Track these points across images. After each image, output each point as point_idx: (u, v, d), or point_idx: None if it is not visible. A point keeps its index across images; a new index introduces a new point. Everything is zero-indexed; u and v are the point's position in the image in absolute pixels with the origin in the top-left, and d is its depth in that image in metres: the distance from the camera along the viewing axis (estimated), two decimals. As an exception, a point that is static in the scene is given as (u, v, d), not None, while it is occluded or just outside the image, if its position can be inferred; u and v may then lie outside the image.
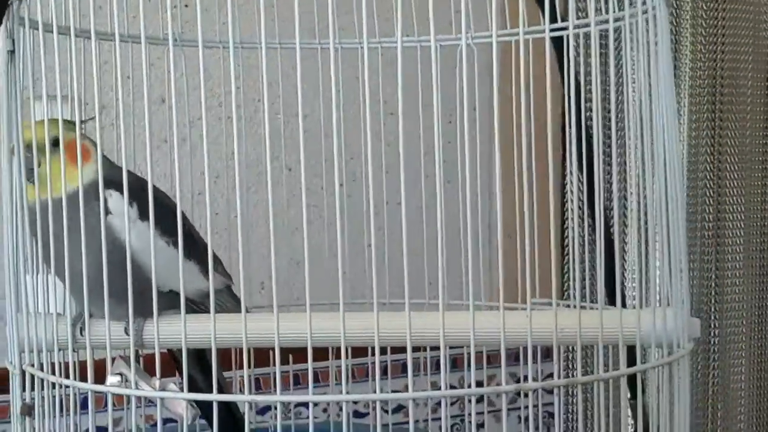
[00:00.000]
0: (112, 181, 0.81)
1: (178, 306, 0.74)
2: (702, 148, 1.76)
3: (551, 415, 1.52)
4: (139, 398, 0.86)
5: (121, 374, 0.76)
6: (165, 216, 0.82)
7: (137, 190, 0.81)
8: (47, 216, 0.78)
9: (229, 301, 0.95)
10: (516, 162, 0.90)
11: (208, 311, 0.84)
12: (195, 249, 0.88)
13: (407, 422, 0.72)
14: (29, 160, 0.80)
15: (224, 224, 1.17)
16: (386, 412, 1.57)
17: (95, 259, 0.75)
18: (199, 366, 0.93)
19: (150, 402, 0.77)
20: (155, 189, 0.85)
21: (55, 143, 0.83)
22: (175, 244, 0.74)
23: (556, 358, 0.73)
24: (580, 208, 0.92)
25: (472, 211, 0.74)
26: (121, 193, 0.82)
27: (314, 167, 1.03)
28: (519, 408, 1.57)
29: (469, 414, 1.52)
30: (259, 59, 1.01)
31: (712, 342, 1.77)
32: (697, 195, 1.75)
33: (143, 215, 0.84)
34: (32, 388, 0.79)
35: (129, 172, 0.82)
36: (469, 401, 1.56)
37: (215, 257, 0.93)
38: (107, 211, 0.82)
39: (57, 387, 0.79)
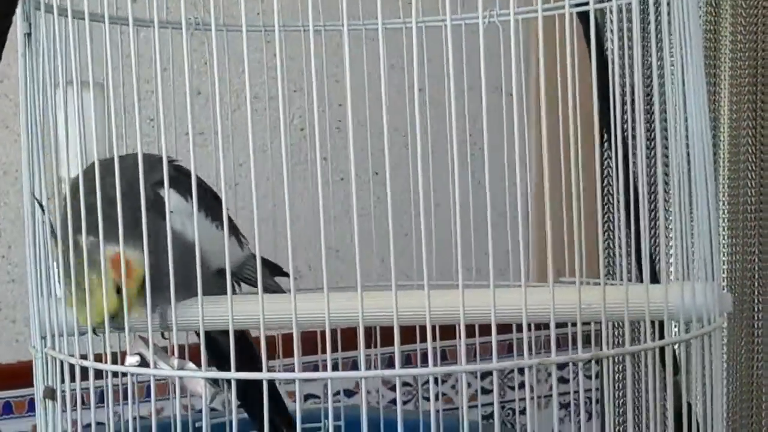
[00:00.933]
0: (163, 179, 0.80)
1: (222, 285, 0.77)
2: (743, 131, 1.74)
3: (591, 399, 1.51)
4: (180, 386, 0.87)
5: (140, 354, 0.76)
6: (211, 201, 0.88)
7: (188, 183, 0.82)
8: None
9: (254, 271, 0.96)
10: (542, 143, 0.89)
11: (243, 279, 0.95)
12: (232, 225, 0.90)
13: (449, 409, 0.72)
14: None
15: (263, 214, 1.17)
16: (426, 399, 1.56)
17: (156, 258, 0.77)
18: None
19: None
20: (191, 175, 0.86)
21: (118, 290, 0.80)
22: (221, 227, 0.79)
23: (580, 333, 0.72)
24: (609, 185, 0.90)
25: (492, 194, 0.72)
26: (177, 190, 0.85)
27: (359, 155, 1.02)
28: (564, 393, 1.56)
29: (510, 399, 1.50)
30: (302, 44, 1.00)
31: (756, 326, 1.75)
32: (739, 178, 1.73)
33: (200, 206, 0.85)
34: (55, 374, 0.79)
35: (173, 165, 0.84)
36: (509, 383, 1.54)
37: (236, 227, 0.94)
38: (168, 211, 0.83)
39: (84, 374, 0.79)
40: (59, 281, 0.80)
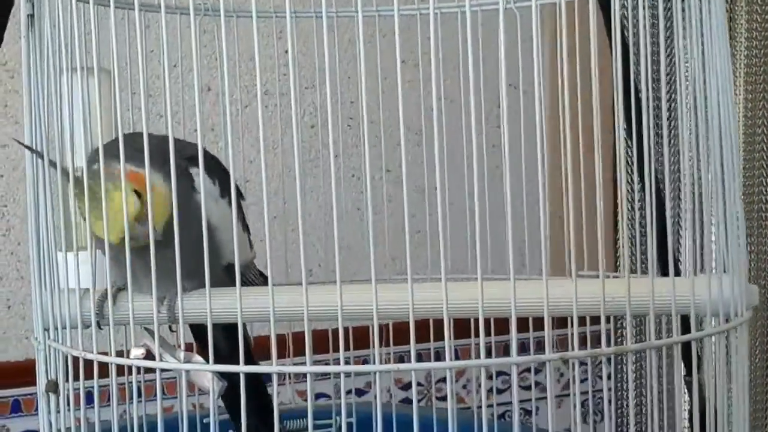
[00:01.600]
0: (193, 157, 0.77)
1: (229, 282, 0.74)
2: (759, 128, 1.73)
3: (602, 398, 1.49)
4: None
5: (145, 347, 0.73)
6: (234, 192, 0.81)
7: (213, 166, 0.80)
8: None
9: (257, 276, 0.94)
10: (562, 134, 0.87)
11: (245, 281, 0.88)
12: (245, 223, 0.88)
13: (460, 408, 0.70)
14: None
15: (274, 211, 1.15)
16: (438, 399, 1.55)
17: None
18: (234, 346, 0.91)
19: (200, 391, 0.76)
20: (220, 162, 0.84)
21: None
22: (238, 219, 0.76)
23: (603, 326, 0.70)
24: (630, 177, 0.88)
25: (512, 188, 0.70)
26: (207, 172, 0.79)
27: (371, 152, 1.00)
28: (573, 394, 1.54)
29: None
30: (314, 39, 0.98)
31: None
32: (754, 168, 1.73)
33: (224, 192, 0.83)
34: (58, 368, 0.77)
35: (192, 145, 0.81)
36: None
37: (248, 227, 0.92)
38: (194, 189, 0.80)
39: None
40: (72, 208, 0.76)
